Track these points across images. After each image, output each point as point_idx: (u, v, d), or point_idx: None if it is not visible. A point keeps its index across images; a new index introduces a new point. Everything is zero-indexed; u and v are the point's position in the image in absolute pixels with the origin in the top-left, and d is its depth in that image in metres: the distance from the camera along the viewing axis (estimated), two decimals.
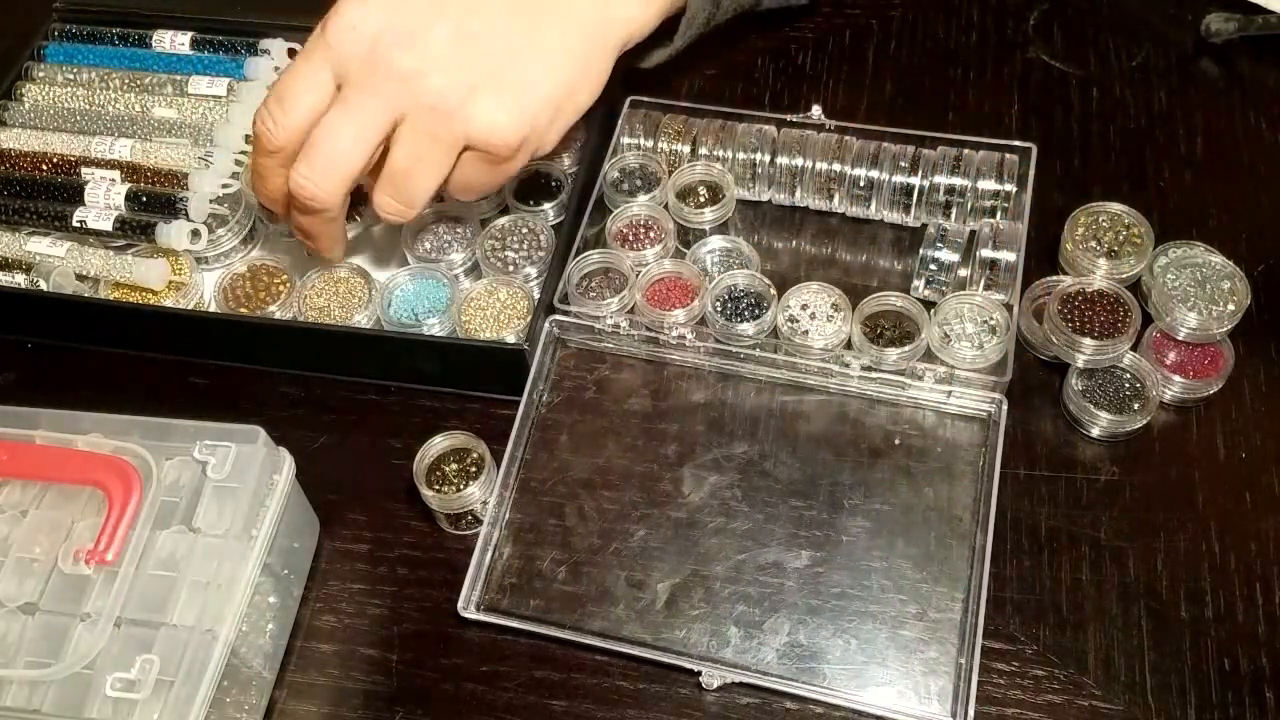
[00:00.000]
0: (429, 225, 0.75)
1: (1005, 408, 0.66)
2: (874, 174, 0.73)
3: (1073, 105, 0.80)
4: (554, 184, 0.76)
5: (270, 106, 0.64)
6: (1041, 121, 0.80)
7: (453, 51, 0.63)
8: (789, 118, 0.76)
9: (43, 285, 0.74)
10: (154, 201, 0.74)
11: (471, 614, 0.63)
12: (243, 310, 0.73)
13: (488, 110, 0.63)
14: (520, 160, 0.66)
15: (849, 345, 0.69)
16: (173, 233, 0.72)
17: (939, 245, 0.70)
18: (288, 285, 0.74)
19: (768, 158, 0.75)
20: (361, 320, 0.71)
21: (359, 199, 0.71)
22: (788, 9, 0.86)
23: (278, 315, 0.72)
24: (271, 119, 0.64)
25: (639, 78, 0.81)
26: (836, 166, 0.74)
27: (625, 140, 0.77)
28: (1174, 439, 0.67)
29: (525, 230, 0.74)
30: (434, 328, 0.71)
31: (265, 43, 0.82)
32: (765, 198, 0.77)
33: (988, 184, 0.72)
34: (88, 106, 0.80)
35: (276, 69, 0.81)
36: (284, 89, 0.64)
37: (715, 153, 0.75)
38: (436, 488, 0.65)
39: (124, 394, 0.73)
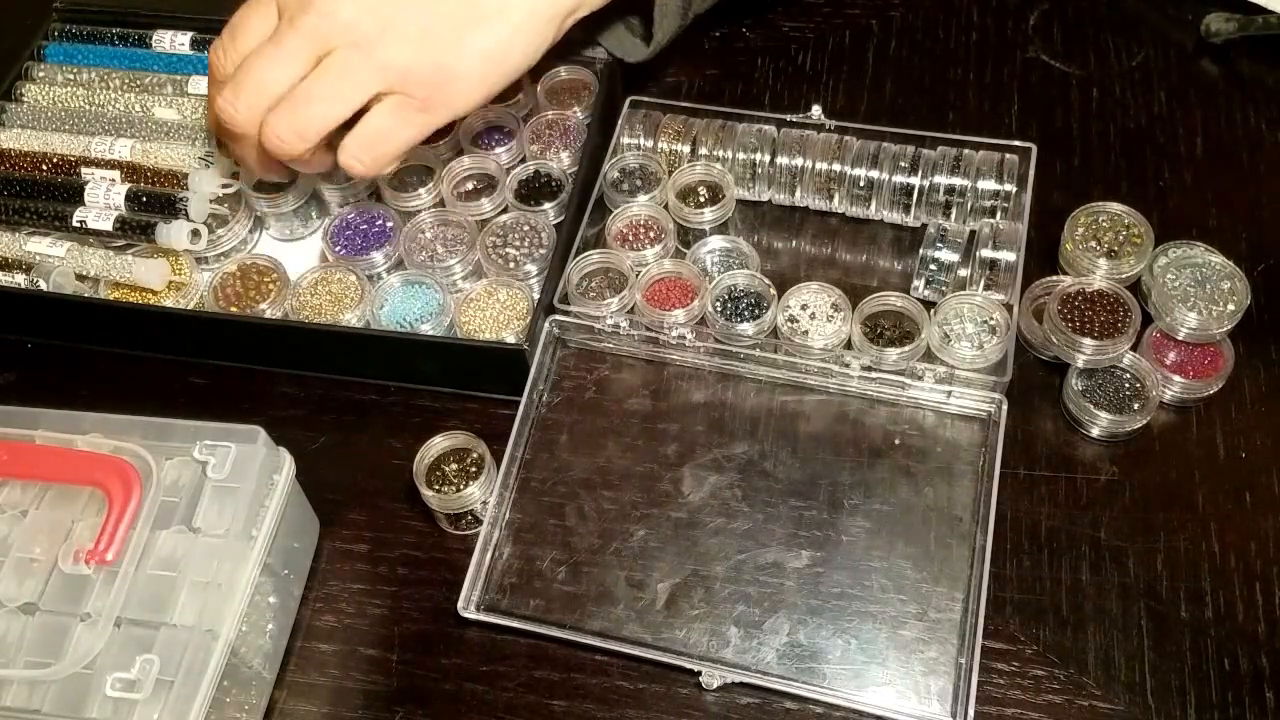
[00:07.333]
0: (428, 225, 0.75)
1: (1005, 408, 0.66)
2: (874, 174, 0.73)
3: (1073, 105, 0.80)
4: (554, 184, 0.76)
5: (223, 38, 0.68)
6: (1041, 121, 0.80)
7: None
8: (789, 118, 0.76)
9: (43, 285, 0.74)
10: (154, 201, 0.74)
11: (471, 614, 0.63)
12: (233, 309, 0.73)
13: (407, 50, 0.64)
14: (438, 115, 0.66)
15: (849, 345, 0.69)
16: (173, 233, 0.72)
17: (939, 245, 0.70)
18: (278, 284, 0.74)
19: (768, 158, 0.75)
20: (352, 319, 0.71)
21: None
22: None
23: (268, 313, 0.72)
24: (222, 49, 0.67)
25: (639, 77, 0.82)
26: (836, 166, 0.74)
27: (625, 140, 0.77)
28: (1174, 439, 0.67)
29: (526, 228, 0.74)
30: (427, 332, 0.71)
31: None
32: (765, 198, 0.77)
33: (988, 184, 0.72)
34: (88, 106, 0.80)
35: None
36: (236, 22, 0.67)
37: (715, 153, 0.75)
38: (436, 488, 0.65)
39: (124, 394, 0.73)
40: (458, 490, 0.64)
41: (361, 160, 0.66)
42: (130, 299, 0.74)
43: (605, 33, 0.78)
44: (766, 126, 0.76)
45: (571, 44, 0.75)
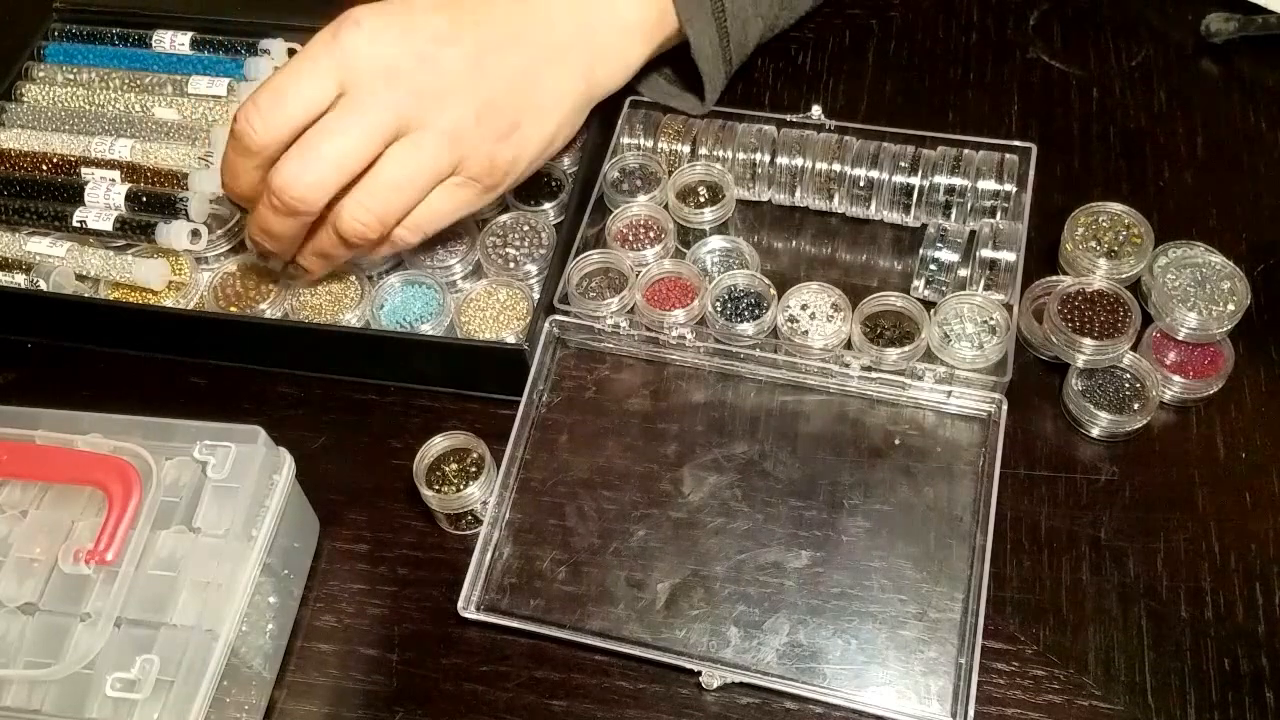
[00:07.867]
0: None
1: (1005, 408, 0.66)
2: (874, 174, 0.73)
3: (1073, 105, 0.80)
4: (554, 184, 0.76)
5: (260, 103, 0.62)
6: (1041, 121, 0.80)
7: (468, 80, 0.64)
8: (789, 118, 0.76)
9: (43, 285, 0.74)
10: (154, 201, 0.74)
11: (471, 614, 0.63)
12: (233, 309, 0.73)
13: (490, 145, 0.65)
14: (488, 197, 0.68)
15: (849, 345, 0.69)
16: (172, 233, 0.72)
17: (939, 245, 0.70)
18: (278, 284, 0.74)
19: (768, 158, 0.75)
20: (351, 319, 0.71)
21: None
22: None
23: (268, 313, 0.72)
24: (259, 116, 0.61)
25: (637, 78, 0.81)
26: (836, 166, 0.74)
27: (625, 140, 0.77)
28: (1174, 439, 0.67)
29: (526, 228, 0.74)
30: (427, 332, 0.71)
31: (265, 43, 0.83)
32: (765, 198, 0.77)
33: (988, 184, 0.72)
34: (88, 106, 0.80)
35: (276, 69, 0.81)
36: (283, 86, 0.62)
37: (715, 153, 0.75)
38: (436, 488, 0.65)
39: (124, 394, 0.73)
40: (458, 490, 0.64)
41: (411, 234, 0.67)
42: (130, 299, 0.74)
43: (654, 89, 0.78)
44: (766, 126, 0.76)
45: None
